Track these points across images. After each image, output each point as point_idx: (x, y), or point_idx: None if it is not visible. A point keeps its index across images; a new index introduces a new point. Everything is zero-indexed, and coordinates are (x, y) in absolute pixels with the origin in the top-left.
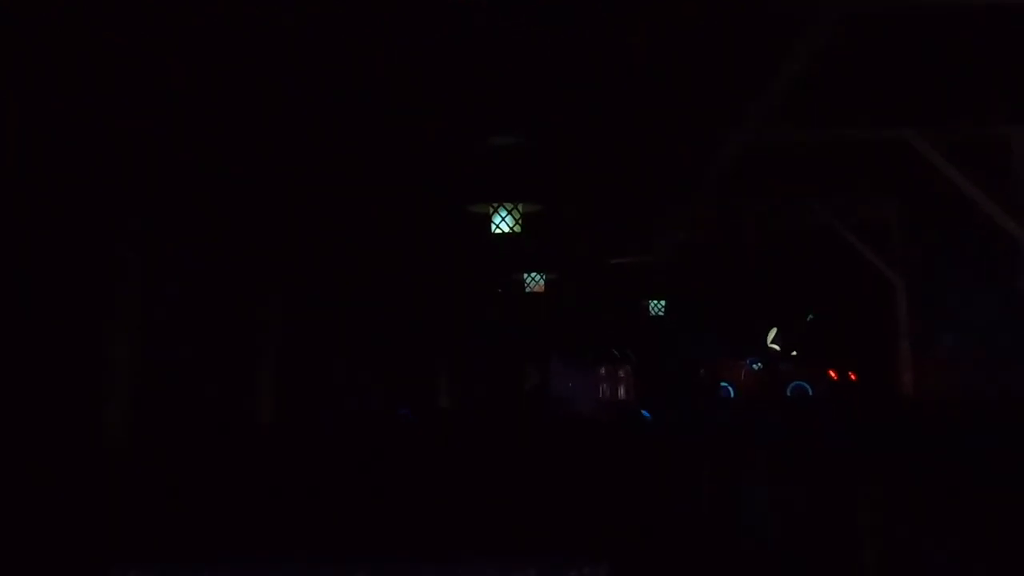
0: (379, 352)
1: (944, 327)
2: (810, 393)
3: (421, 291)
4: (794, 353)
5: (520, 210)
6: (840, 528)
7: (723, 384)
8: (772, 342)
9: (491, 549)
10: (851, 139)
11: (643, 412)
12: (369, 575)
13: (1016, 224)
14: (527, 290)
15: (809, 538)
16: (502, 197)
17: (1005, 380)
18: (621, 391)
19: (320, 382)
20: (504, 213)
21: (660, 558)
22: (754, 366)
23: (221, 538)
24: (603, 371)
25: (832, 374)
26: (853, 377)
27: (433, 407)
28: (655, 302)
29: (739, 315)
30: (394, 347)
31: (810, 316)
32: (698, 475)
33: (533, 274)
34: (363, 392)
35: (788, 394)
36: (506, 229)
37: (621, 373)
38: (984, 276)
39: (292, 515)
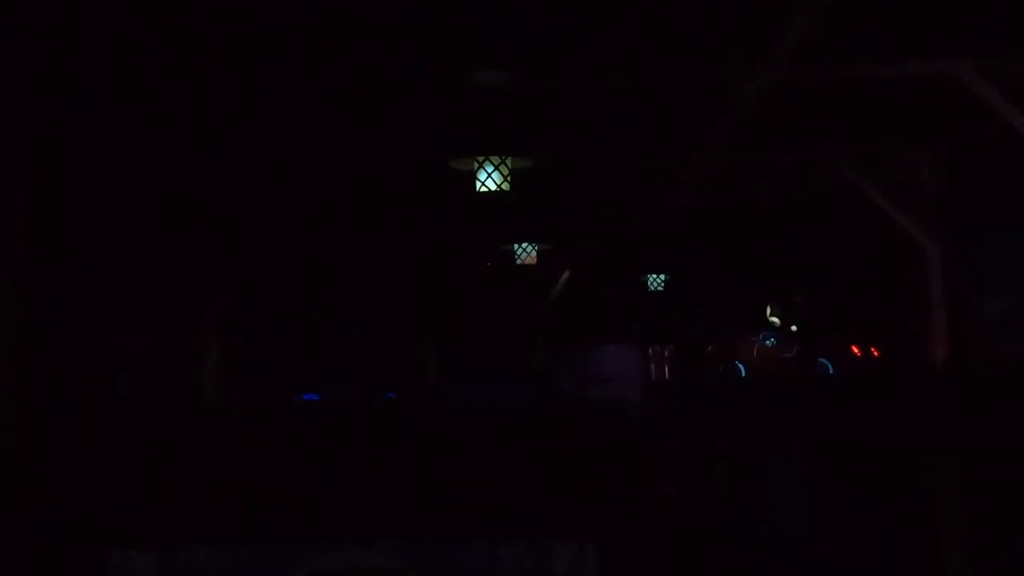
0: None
1: (987, 293)
2: (830, 371)
3: (399, 260)
4: (793, 328)
5: (509, 165)
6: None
7: (729, 363)
8: (771, 316)
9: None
10: (891, 75)
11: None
12: (360, 553)
13: None
14: (518, 262)
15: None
16: (488, 150)
17: None
18: (666, 373)
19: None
20: (490, 168)
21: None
22: (767, 342)
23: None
24: (650, 351)
25: (855, 350)
26: (875, 352)
27: (418, 388)
28: (654, 276)
29: (750, 287)
30: (373, 321)
31: (798, 296)
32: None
33: (524, 244)
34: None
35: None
36: (492, 187)
37: (666, 353)
38: None
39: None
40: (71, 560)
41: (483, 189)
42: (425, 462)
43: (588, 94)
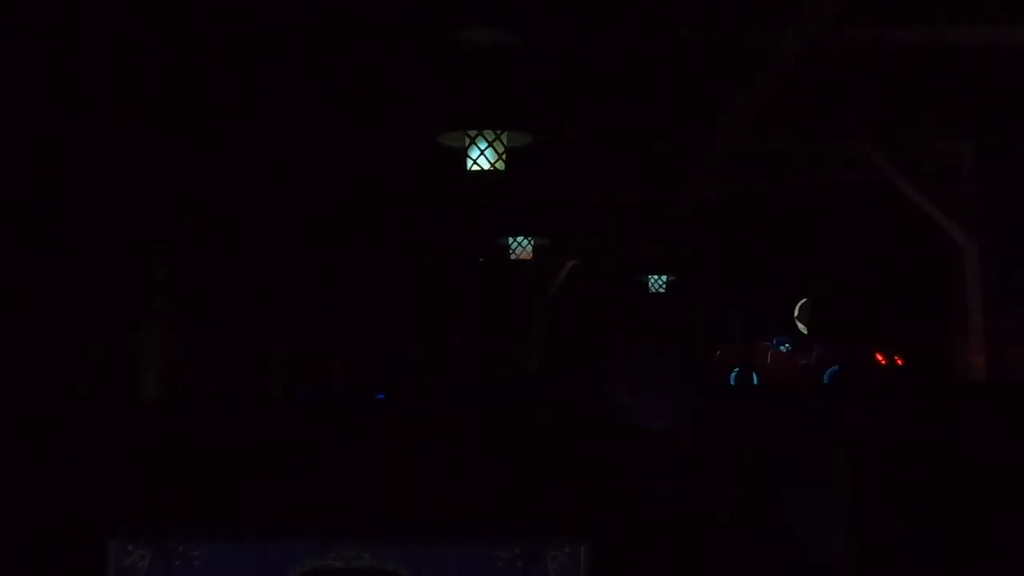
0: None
1: None
2: (836, 378)
3: (386, 252)
4: (805, 331)
5: (504, 142)
6: None
7: (738, 369)
8: (799, 319)
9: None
10: (940, 40)
11: None
12: (357, 551)
13: None
14: (512, 256)
15: None
16: (481, 123)
17: None
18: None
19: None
20: (484, 145)
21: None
22: (782, 347)
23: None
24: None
25: (879, 358)
26: (899, 361)
27: (411, 389)
28: (655, 277)
29: (762, 288)
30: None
31: (826, 296)
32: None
33: (519, 238)
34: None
35: (826, 381)
36: (485, 165)
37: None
38: None
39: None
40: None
41: (475, 168)
42: (418, 462)
43: (597, 62)
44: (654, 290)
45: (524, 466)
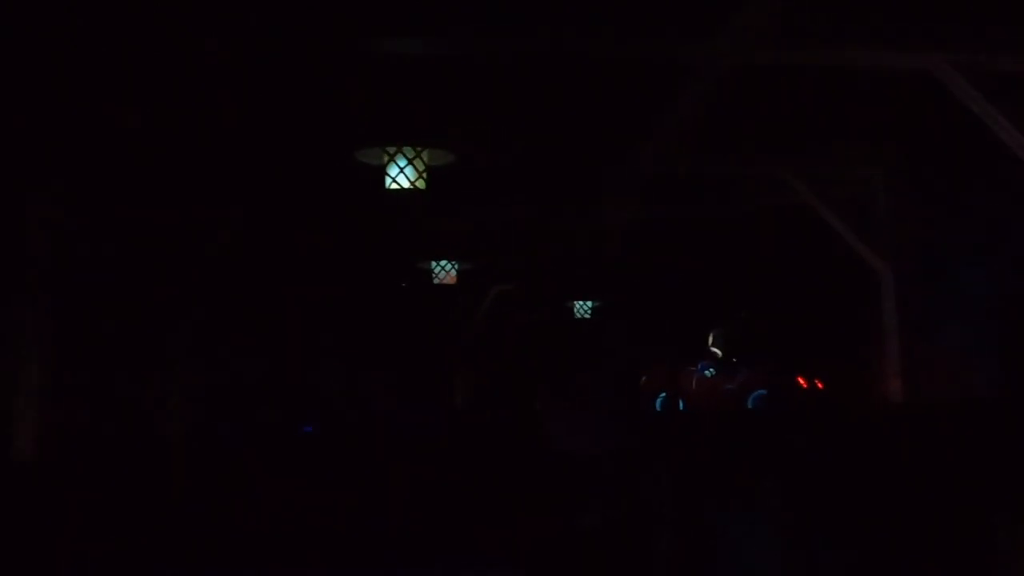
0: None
1: (947, 321)
2: (767, 404)
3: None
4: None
5: (425, 160)
6: None
7: (664, 394)
8: (713, 346)
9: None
10: (855, 64)
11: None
12: None
13: None
14: (436, 281)
15: None
16: (401, 138)
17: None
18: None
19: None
20: (403, 162)
21: None
22: (706, 372)
23: None
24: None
25: (801, 381)
26: (819, 385)
27: (339, 423)
28: (581, 303)
29: (687, 313)
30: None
31: (742, 322)
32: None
33: (443, 262)
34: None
35: (750, 406)
36: (405, 184)
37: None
38: (1005, 255)
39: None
40: None
41: (394, 187)
42: (353, 495)
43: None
44: (579, 316)
45: (453, 493)
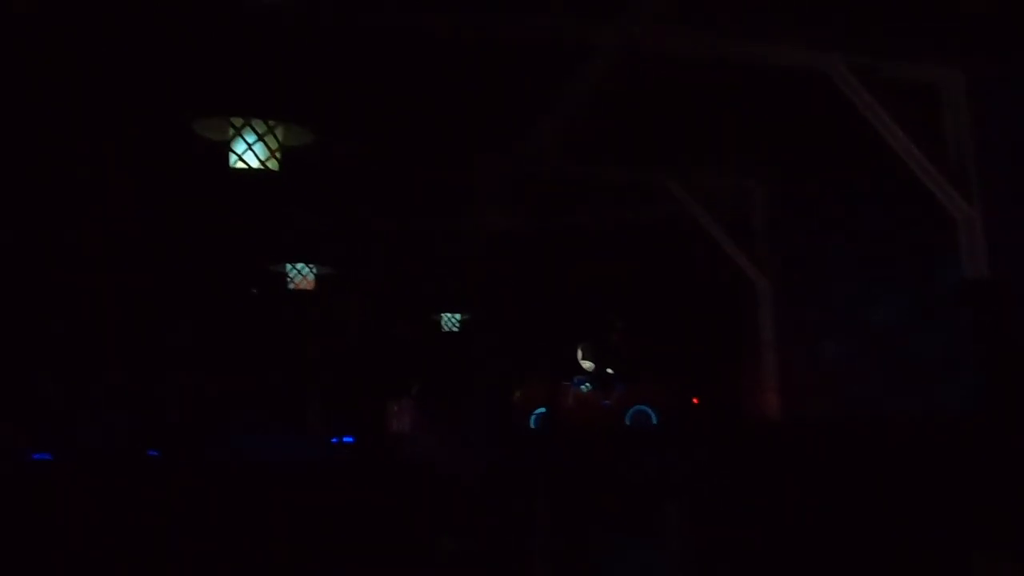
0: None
1: (826, 336)
2: (654, 420)
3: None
4: (609, 371)
5: (278, 136)
6: None
7: (539, 411)
8: (583, 359)
9: None
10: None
11: None
12: None
13: (955, 193)
14: (290, 286)
15: None
16: (250, 110)
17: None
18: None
19: None
20: (252, 138)
21: None
22: (582, 387)
23: None
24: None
25: (694, 400)
26: (695, 401)
27: (189, 445)
28: (448, 315)
29: (562, 325)
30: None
31: (614, 335)
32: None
33: (299, 264)
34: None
35: (628, 422)
36: (254, 163)
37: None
38: (884, 270)
39: None
40: None
41: (240, 166)
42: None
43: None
44: (447, 329)
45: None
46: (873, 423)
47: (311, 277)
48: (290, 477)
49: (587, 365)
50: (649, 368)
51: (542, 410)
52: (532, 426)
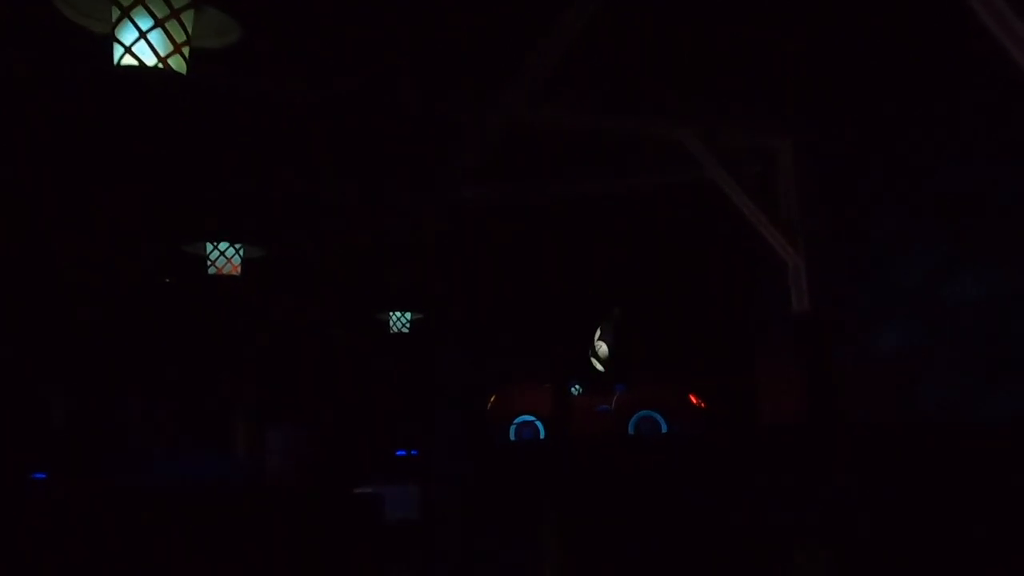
0: None
1: (884, 323)
2: (664, 429)
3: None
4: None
5: (187, 26)
6: None
7: (526, 418)
8: (600, 339)
9: None
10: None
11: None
12: None
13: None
14: (212, 270)
15: None
16: None
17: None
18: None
19: None
20: (146, 22)
21: None
22: (572, 390)
23: None
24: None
25: (694, 399)
26: (700, 403)
27: (80, 467)
28: (397, 315)
29: (541, 320)
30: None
31: (616, 314)
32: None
33: (222, 244)
34: None
35: (631, 431)
36: (150, 61)
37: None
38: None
39: None
40: None
41: (129, 63)
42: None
43: None
44: (395, 330)
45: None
46: (952, 431)
47: (237, 261)
48: (203, 503)
49: (603, 351)
50: (653, 366)
51: (526, 418)
52: (512, 438)
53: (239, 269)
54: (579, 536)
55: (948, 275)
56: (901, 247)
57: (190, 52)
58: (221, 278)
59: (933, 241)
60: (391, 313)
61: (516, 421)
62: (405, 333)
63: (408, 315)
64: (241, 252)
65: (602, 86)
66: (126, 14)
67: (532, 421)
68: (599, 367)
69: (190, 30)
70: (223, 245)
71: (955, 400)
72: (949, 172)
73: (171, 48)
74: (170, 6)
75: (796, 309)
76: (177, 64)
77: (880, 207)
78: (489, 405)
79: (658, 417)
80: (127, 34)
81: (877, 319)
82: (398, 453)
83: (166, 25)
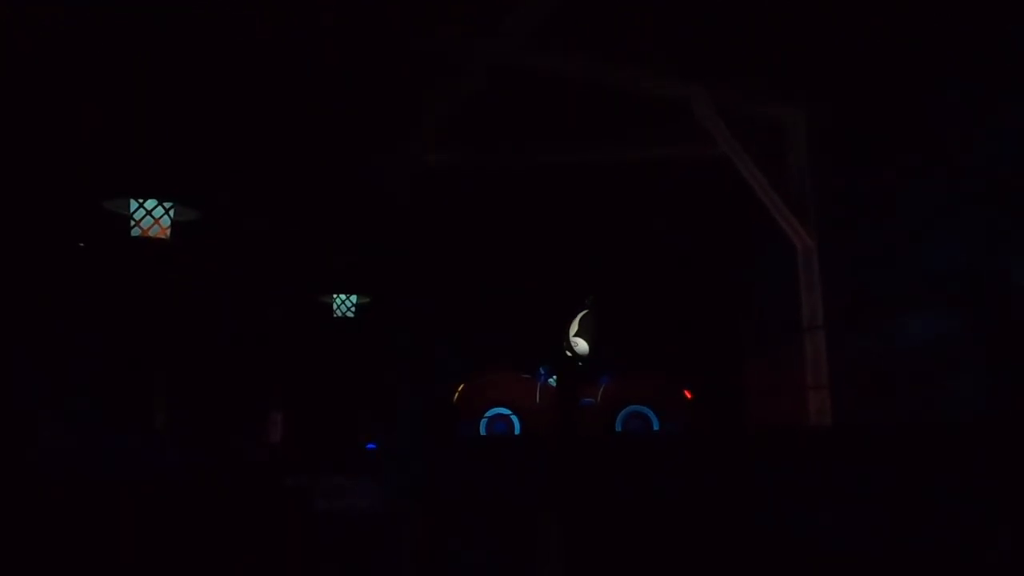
0: None
1: (909, 312)
2: (655, 426)
3: None
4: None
5: None
6: None
7: (499, 411)
8: (575, 334)
9: None
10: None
11: None
12: None
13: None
14: (135, 232)
15: None
16: None
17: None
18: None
19: None
20: None
21: None
22: (551, 381)
23: None
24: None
25: (689, 395)
26: (688, 395)
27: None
28: (341, 298)
29: (520, 301)
30: None
31: (589, 300)
32: None
33: (149, 202)
34: None
35: (619, 427)
36: None
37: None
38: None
39: None
40: None
41: None
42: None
43: None
44: (339, 315)
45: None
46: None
47: (165, 222)
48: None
49: (580, 346)
50: (630, 353)
51: (500, 411)
52: (483, 432)
53: (168, 232)
54: (587, 555)
55: (989, 258)
56: (933, 228)
57: None
58: (147, 240)
59: (973, 222)
60: (335, 296)
61: (487, 414)
62: (350, 318)
63: (354, 298)
64: (171, 213)
65: (606, 31)
66: None
67: (507, 415)
68: (581, 351)
69: None
70: (150, 202)
71: (990, 400)
72: (992, 144)
73: None
74: None
75: (805, 297)
76: None
77: (910, 183)
78: (456, 396)
79: (650, 413)
80: None
81: (904, 307)
82: (368, 446)
83: None
